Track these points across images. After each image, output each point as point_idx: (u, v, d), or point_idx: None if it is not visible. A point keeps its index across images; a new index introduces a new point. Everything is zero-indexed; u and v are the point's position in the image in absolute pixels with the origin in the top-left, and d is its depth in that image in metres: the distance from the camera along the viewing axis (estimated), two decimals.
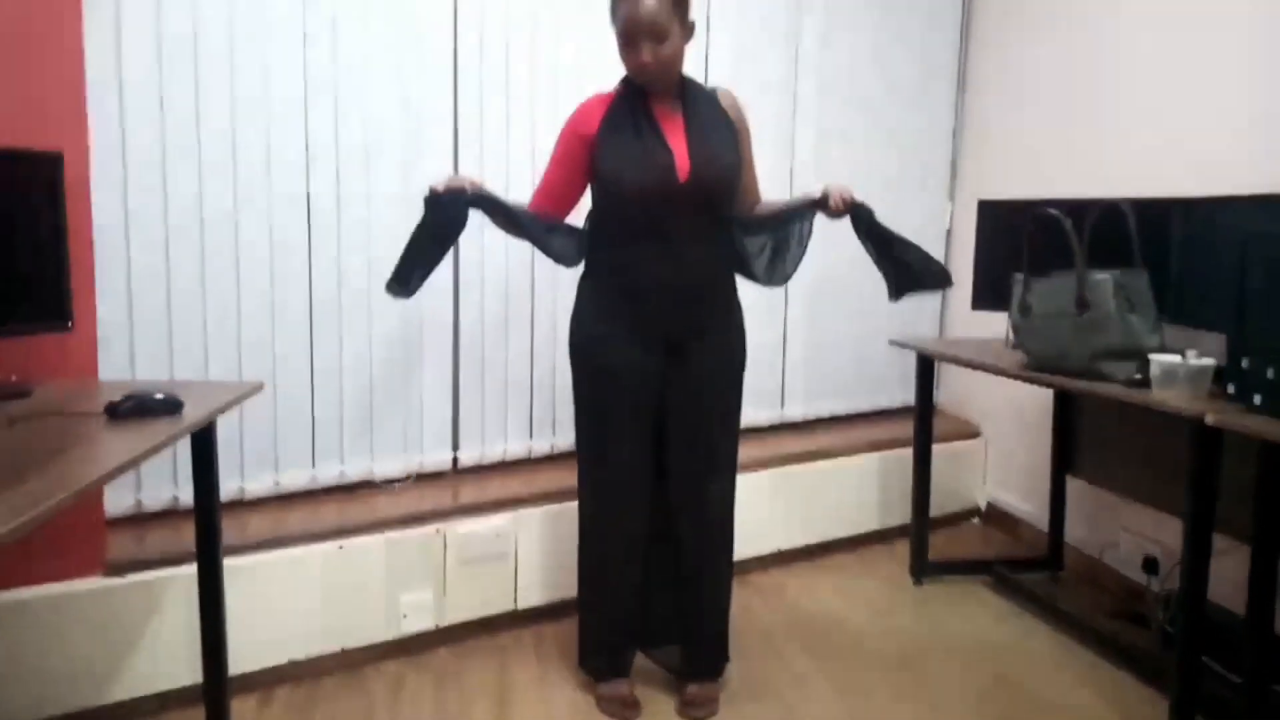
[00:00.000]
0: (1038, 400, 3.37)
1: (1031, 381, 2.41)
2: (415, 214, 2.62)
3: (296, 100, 2.46)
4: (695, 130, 2.18)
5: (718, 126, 2.21)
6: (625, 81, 2.21)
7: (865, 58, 3.54)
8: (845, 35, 3.47)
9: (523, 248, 2.81)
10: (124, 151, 2.25)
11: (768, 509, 3.15)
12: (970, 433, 3.69)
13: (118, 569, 2.14)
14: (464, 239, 2.72)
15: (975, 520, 3.74)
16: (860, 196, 2.30)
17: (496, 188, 2.73)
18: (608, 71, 2.86)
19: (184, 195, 2.34)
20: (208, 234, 2.38)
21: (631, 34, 2.07)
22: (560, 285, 2.89)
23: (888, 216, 3.63)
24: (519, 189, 2.79)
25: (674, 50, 2.11)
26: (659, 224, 2.13)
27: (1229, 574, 2.49)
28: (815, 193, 2.25)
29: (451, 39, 2.67)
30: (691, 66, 3.08)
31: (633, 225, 2.15)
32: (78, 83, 2.04)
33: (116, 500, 2.34)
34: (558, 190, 2.25)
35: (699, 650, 2.36)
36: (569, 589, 2.72)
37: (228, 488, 2.45)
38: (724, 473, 2.34)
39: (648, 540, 2.32)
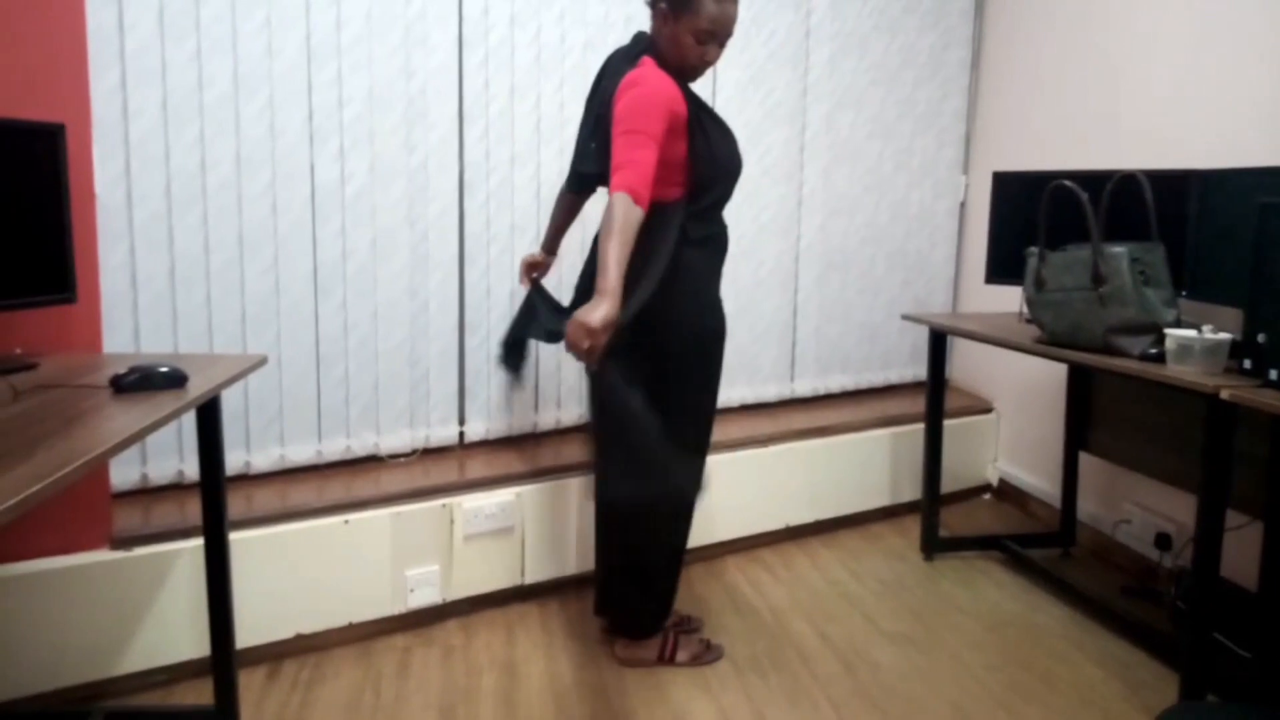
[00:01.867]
0: (1051, 375, 3.34)
1: (1045, 356, 2.38)
2: (418, 187, 2.63)
3: (300, 71, 2.43)
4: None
5: None
6: (659, 58, 2.15)
7: (879, 28, 3.48)
8: (857, 4, 3.41)
9: (526, 224, 2.81)
10: (126, 123, 2.24)
11: (777, 485, 3.14)
12: (982, 408, 3.67)
13: (124, 543, 2.14)
14: (469, 212, 2.73)
15: (987, 496, 3.72)
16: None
17: (501, 161, 2.75)
18: (612, 45, 2.85)
19: (186, 167, 2.32)
20: (211, 206, 2.36)
21: (714, 33, 2.10)
22: (566, 260, 2.87)
23: (901, 191, 3.63)
24: (523, 164, 2.78)
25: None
26: (726, 202, 2.29)
27: (1241, 550, 2.48)
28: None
29: (456, 9, 2.64)
30: None
31: (718, 203, 2.24)
32: (79, 54, 2.02)
33: (122, 474, 2.35)
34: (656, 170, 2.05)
35: None
36: (575, 563, 2.73)
37: (233, 462, 2.46)
38: None
39: None
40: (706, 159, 2.14)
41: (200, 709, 2.12)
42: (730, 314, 3.28)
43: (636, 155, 1.96)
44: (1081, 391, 3.02)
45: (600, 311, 1.82)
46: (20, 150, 1.82)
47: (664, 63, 2.15)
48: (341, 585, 2.39)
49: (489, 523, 2.57)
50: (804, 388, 3.54)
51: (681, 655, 2.36)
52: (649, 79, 2.05)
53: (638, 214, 1.93)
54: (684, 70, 2.15)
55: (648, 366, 2.19)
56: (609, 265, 1.87)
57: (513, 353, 2.54)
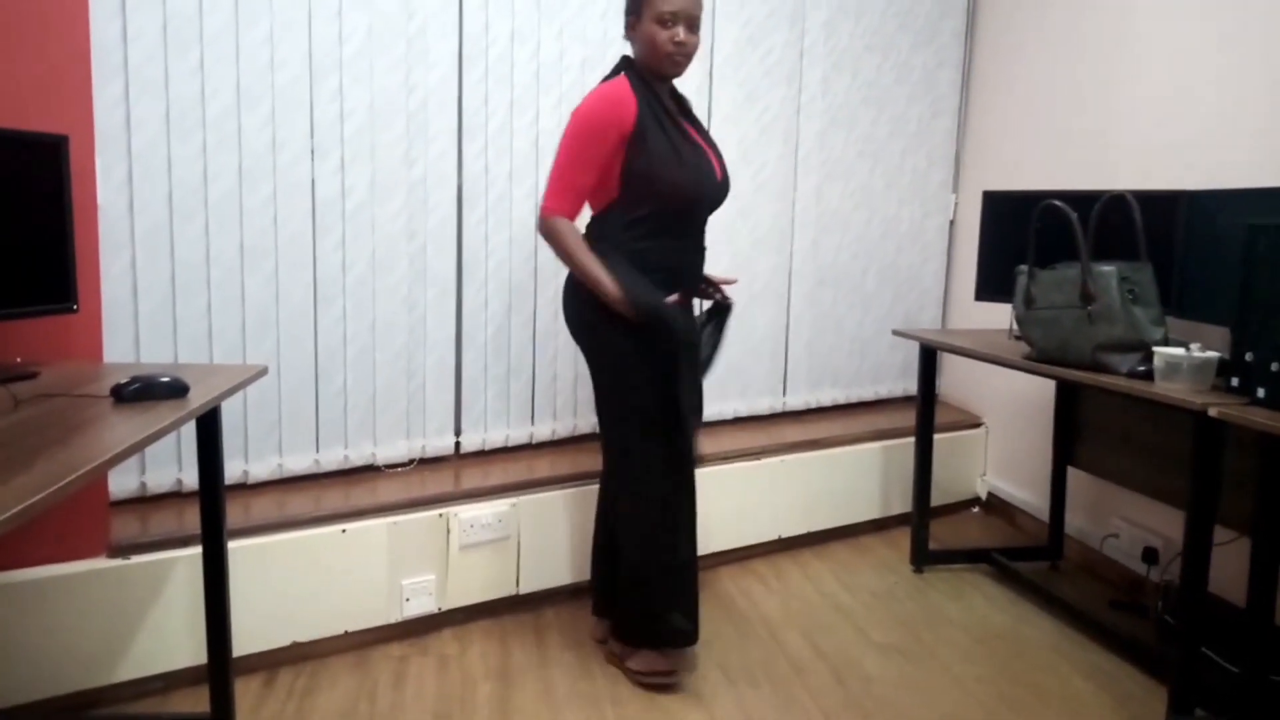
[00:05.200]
0: (1040, 391, 3.38)
1: (1034, 373, 2.41)
2: (418, 200, 2.65)
3: (301, 83, 2.45)
4: (704, 134, 2.36)
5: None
6: (634, 73, 2.23)
7: (871, 46, 3.53)
8: (851, 24, 3.46)
9: (523, 238, 2.83)
10: (129, 134, 2.25)
11: (769, 497, 3.16)
12: (971, 423, 3.70)
13: (122, 551, 2.15)
14: (467, 225, 2.75)
15: (975, 509, 3.75)
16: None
17: (499, 176, 2.77)
18: (611, 61, 2.89)
19: (188, 178, 2.34)
20: (212, 218, 2.38)
21: (675, 13, 2.15)
22: (563, 272, 2.90)
23: (892, 208, 3.67)
24: (522, 178, 2.80)
25: (699, 43, 2.25)
26: (693, 220, 2.30)
27: (1228, 565, 2.51)
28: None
29: (457, 25, 2.66)
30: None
31: (672, 221, 2.25)
32: (83, 65, 2.04)
33: (121, 483, 2.36)
34: (589, 193, 2.24)
35: None
36: (571, 573, 2.74)
37: (232, 471, 2.47)
38: None
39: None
40: (640, 174, 2.17)
41: (196, 717, 2.12)
42: None
43: (561, 180, 2.19)
44: (1069, 407, 3.06)
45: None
46: (24, 160, 1.83)
47: (642, 70, 2.23)
48: (338, 594, 2.40)
49: (485, 532, 2.59)
50: (796, 401, 3.57)
51: (636, 663, 2.35)
52: (590, 100, 2.17)
53: (565, 225, 2.19)
54: (662, 66, 2.19)
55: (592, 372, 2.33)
56: (590, 279, 2.18)
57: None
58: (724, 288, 2.57)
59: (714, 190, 2.29)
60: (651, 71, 2.22)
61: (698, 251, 2.35)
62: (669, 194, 2.19)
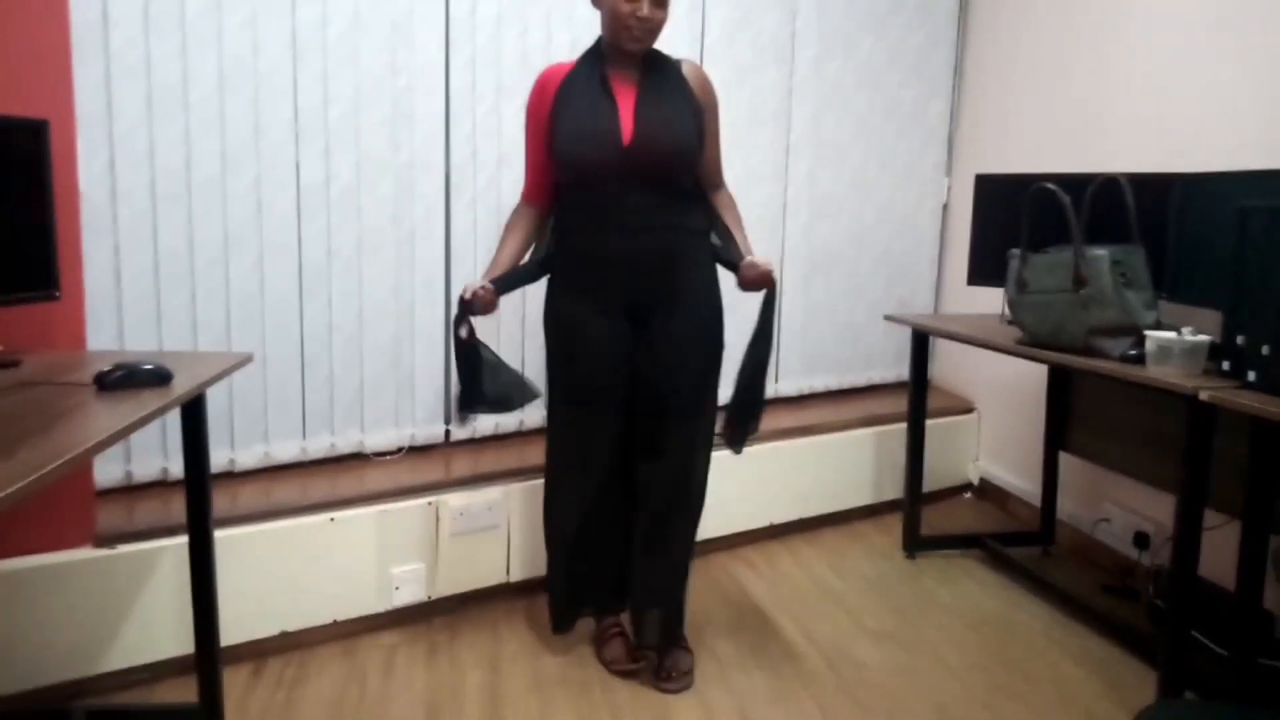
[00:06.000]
0: (1032, 376, 3.37)
1: (1026, 357, 2.40)
2: (404, 186, 2.63)
3: (285, 67, 2.42)
4: (648, 97, 2.15)
5: (674, 96, 2.17)
6: (595, 48, 2.20)
7: (864, 29, 3.50)
8: (844, 4, 3.43)
9: None
10: (110, 119, 2.22)
11: (761, 483, 3.15)
12: (964, 408, 3.69)
13: (108, 540, 2.13)
14: (455, 211, 2.73)
15: (968, 495, 3.75)
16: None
17: (488, 162, 2.74)
18: None
19: (171, 164, 2.31)
20: (196, 203, 2.35)
21: None
22: None
23: (885, 192, 3.65)
24: (511, 164, 2.77)
25: (666, 18, 2.15)
26: (610, 193, 2.12)
27: (1219, 549, 2.50)
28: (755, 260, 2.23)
29: (443, 8, 2.63)
30: (687, 28, 3.07)
31: (586, 195, 2.16)
32: (63, 49, 2.01)
33: (106, 472, 2.34)
34: (541, 170, 2.25)
35: (666, 618, 2.33)
36: None
37: (218, 459, 2.45)
38: (695, 443, 2.30)
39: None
40: (554, 144, 2.13)
41: (184, 706, 2.12)
42: None
43: (526, 162, 2.28)
44: (1062, 392, 3.05)
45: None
46: (3, 146, 1.80)
47: (604, 45, 2.19)
48: (326, 583, 2.39)
49: (475, 520, 2.57)
50: (788, 387, 3.56)
51: (603, 652, 2.38)
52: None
53: (518, 208, 2.28)
54: (620, 39, 2.12)
55: None
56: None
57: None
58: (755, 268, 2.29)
59: (614, 157, 2.08)
60: (611, 45, 2.16)
61: (624, 234, 2.13)
62: (562, 168, 2.15)
